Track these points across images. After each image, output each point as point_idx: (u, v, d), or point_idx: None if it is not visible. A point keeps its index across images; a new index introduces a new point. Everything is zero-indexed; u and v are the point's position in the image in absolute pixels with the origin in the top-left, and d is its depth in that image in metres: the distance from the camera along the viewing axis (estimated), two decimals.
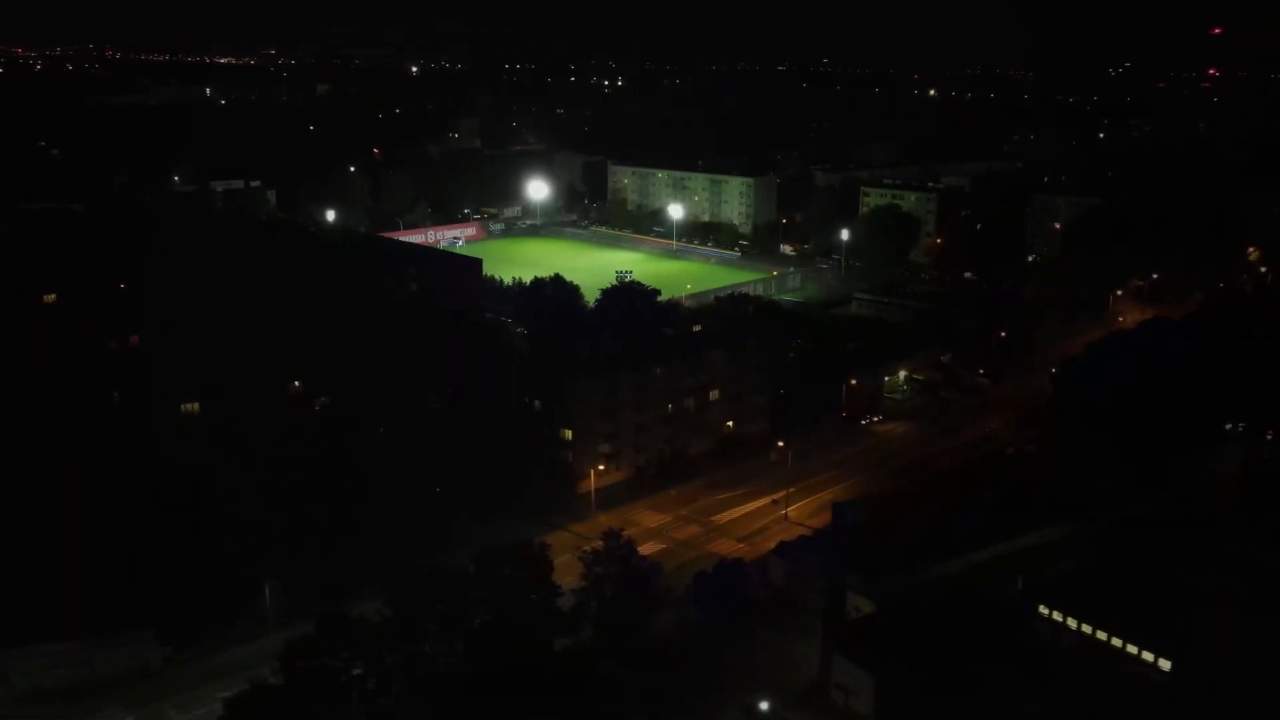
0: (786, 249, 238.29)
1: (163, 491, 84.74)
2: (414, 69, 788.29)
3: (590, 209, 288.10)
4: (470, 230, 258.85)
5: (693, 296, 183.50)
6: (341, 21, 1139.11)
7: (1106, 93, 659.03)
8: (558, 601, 77.44)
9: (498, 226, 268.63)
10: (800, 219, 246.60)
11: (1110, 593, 76.67)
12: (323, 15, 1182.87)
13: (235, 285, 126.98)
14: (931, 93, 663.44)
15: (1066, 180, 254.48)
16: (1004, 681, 67.40)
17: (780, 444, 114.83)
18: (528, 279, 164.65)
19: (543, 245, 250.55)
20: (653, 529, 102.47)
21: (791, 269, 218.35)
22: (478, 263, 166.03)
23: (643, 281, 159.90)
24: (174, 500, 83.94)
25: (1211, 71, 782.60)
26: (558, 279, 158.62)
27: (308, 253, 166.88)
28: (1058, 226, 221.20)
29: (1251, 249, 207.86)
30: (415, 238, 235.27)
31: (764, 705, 70.97)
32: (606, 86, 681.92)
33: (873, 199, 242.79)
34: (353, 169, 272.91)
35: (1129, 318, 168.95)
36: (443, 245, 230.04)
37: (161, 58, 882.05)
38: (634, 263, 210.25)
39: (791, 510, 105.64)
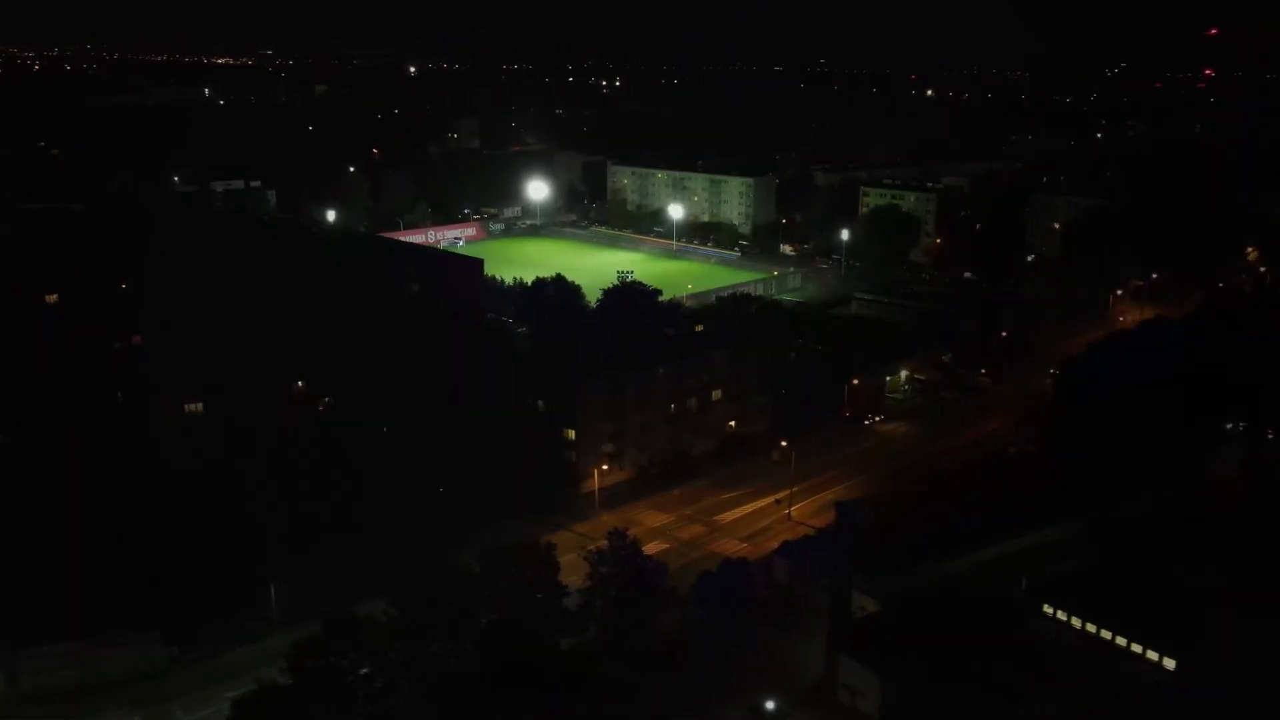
0: (786, 249, 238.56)
1: (168, 492, 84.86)
2: (412, 69, 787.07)
3: (590, 209, 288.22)
4: (470, 230, 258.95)
5: (693, 296, 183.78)
6: (341, 22, 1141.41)
7: (1103, 93, 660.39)
8: (564, 601, 77.64)
9: (498, 227, 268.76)
10: (800, 219, 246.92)
11: (1114, 592, 76.77)
12: (322, 15, 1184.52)
13: (237, 285, 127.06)
14: (929, 93, 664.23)
15: (1065, 180, 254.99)
16: (1009, 680, 67.61)
17: (783, 444, 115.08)
18: (528, 279, 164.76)
19: (543, 245, 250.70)
20: (656, 529, 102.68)
21: (791, 269, 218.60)
22: (479, 263, 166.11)
23: (643, 281, 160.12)
24: (179, 500, 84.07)
25: (1207, 72, 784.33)
26: (559, 279, 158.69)
27: (309, 253, 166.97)
28: (1057, 226, 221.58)
29: (1251, 249, 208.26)
30: (416, 238, 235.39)
31: (770, 705, 71.15)
32: (605, 87, 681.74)
33: (872, 199, 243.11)
34: (352, 169, 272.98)
35: (1129, 318, 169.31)
36: (443, 245, 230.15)
37: (159, 58, 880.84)
38: (634, 263, 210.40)
39: (794, 510, 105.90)
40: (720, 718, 72.55)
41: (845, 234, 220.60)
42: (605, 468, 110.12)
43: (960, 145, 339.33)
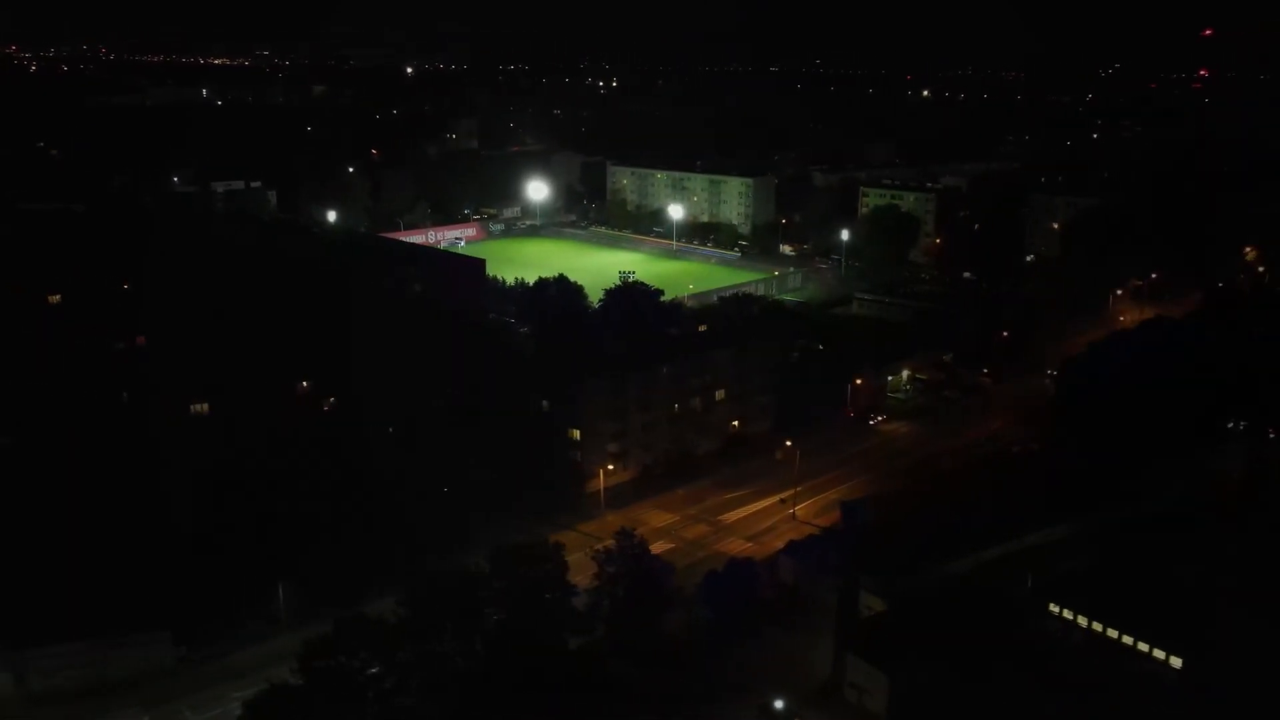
0: (786, 249, 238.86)
1: (175, 492, 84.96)
2: (409, 70, 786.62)
3: (589, 209, 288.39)
4: (471, 230, 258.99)
5: (695, 297, 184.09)
6: (341, 22, 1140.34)
7: (1098, 93, 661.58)
8: (572, 601, 77.84)
9: (497, 227, 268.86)
10: (799, 219, 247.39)
11: (1119, 591, 77.14)
12: (322, 15, 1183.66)
13: (239, 286, 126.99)
14: (925, 94, 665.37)
15: (1063, 180, 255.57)
16: (1016, 679, 67.93)
17: (787, 443, 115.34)
18: (530, 279, 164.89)
19: (543, 246, 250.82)
20: (661, 528, 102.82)
21: (792, 269, 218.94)
22: (481, 263, 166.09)
23: (645, 282, 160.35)
24: (186, 500, 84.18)
25: (1202, 72, 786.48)
26: (561, 279, 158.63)
27: (311, 253, 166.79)
28: (1056, 226, 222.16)
29: (1250, 249, 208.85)
30: (416, 238, 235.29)
31: (779, 704, 71.37)
32: (604, 87, 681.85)
33: (872, 199, 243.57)
34: (352, 169, 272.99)
35: (1129, 318, 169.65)
36: (444, 245, 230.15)
37: (157, 58, 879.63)
38: (634, 263, 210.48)
39: (799, 509, 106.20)
40: (728, 717, 72.74)
41: (845, 234, 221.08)
42: (610, 467, 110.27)
43: (958, 146, 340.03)
